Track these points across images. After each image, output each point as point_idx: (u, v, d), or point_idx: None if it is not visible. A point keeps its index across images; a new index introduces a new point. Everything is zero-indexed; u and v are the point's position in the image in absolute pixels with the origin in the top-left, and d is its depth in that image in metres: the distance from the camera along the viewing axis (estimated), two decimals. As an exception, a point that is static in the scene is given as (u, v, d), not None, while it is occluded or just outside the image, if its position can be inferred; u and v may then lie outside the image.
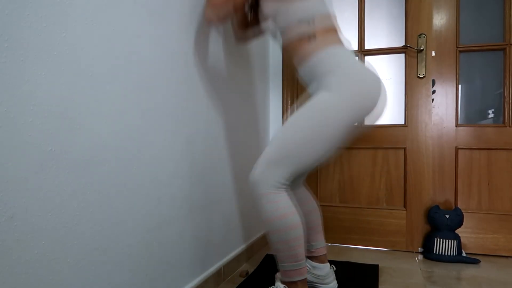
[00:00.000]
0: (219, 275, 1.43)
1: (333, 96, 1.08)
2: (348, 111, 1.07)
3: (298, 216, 1.10)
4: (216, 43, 1.43)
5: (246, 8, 1.39)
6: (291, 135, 1.08)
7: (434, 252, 1.80)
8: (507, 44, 1.85)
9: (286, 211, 1.07)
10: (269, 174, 1.08)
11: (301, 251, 1.10)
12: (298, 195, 1.33)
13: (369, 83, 1.12)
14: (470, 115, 1.97)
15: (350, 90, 1.09)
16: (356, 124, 1.12)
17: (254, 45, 1.90)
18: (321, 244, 1.33)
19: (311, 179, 2.14)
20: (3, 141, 0.60)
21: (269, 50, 2.20)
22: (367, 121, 1.19)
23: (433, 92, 1.96)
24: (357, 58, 1.16)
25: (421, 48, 1.90)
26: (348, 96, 1.08)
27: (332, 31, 1.15)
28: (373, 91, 1.12)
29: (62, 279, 0.73)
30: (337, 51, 1.13)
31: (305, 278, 1.12)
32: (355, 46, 2.05)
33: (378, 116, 1.18)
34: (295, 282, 1.10)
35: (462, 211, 1.84)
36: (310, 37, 1.13)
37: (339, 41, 1.17)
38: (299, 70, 1.20)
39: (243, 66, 1.72)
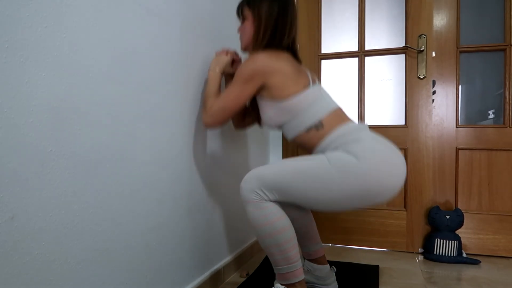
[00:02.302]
0: (219, 275, 1.42)
1: (359, 163, 1.00)
2: (368, 183, 1.01)
3: (287, 219, 1.09)
4: (215, 43, 1.43)
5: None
6: (295, 175, 1.04)
7: (435, 252, 1.80)
8: (508, 45, 1.85)
9: (274, 216, 1.06)
10: (258, 188, 1.07)
11: (294, 253, 1.09)
12: None
13: (395, 163, 1.05)
14: (471, 115, 1.97)
15: (377, 163, 1.01)
16: (368, 199, 1.04)
17: (255, 45, 1.90)
18: (317, 246, 1.33)
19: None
20: (3, 141, 0.60)
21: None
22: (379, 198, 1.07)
23: (434, 92, 1.96)
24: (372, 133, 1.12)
25: (422, 49, 1.90)
26: (373, 168, 1.01)
27: (339, 114, 1.15)
28: (397, 174, 1.05)
29: (62, 280, 0.72)
30: (350, 126, 1.11)
31: (303, 279, 1.11)
32: (355, 47, 2.06)
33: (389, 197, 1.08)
34: (293, 284, 1.10)
35: (463, 211, 1.84)
36: (318, 127, 1.12)
37: (348, 120, 1.15)
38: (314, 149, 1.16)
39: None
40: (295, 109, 1.12)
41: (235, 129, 1.46)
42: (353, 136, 1.08)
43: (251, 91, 1.13)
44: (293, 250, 1.09)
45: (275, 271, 1.13)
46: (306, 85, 1.14)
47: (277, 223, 1.06)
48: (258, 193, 1.06)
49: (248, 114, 1.41)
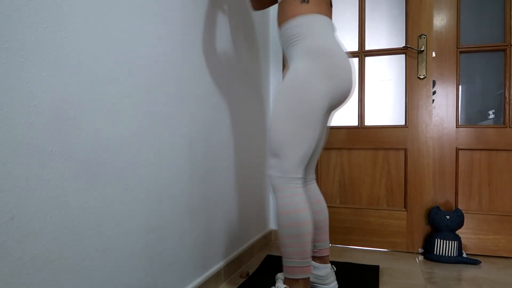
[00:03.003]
0: (220, 275, 1.42)
1: (303, 65, 1.09)
2: (322, 82, 1.09)
3: (310, 213, 1.12)
4: (216, 44, 1.43)
5: None
6: (278, 123, 1.11)
7: (435, 253, 1.80)
8: (508, 45, 1.85)
9: (300, 206, 1.09)
10: (279, 166, 1.12)
11: (309, 248, 1.10)
12: (310, 192, 1.34)
13: (340, 57, 1.12)
14: (471, 115, 1.97)
15: (321, 60, 1.09)
16: (334, 99, 1.13)
17: (255, 45, 1.90)
18: (326, 245, 1.34)
19: (311, 179, 2.13)
20: (3, 141, 0.60)
21: (270, 49, 2.20)
22: (338, 96, 1.17)
23: (434, 92, 1.96)
24: (333, 33, 1.18)
25: (422, 49, 1.90)
26: (319, 66, 1.09)
27: (325, 4, 1.18)
28: (342, 64, 1.12)
29: (62, 280, 0.73)
30: (316, 20, 1.14)
31: (308, 278, 1.12)
32: (355, 47, 2.05)
33: (346, 95, 1.18)
34: (297, 280, 1.10)
35: (463, 212, 1.84)
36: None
37: (327, 14, 1.18)
38: (278, 30, 1.22)
39: (244, 67, 1.72)
40: None
41: (254, 8, 1.52)
42: (311, 29, 1.12)
43: None
44: (309, 245, 1.11)
45: (284, 264, 1.13)
46: None
47: (303, 213, 1.09)
48: (282, 176, 1.11)
49: None
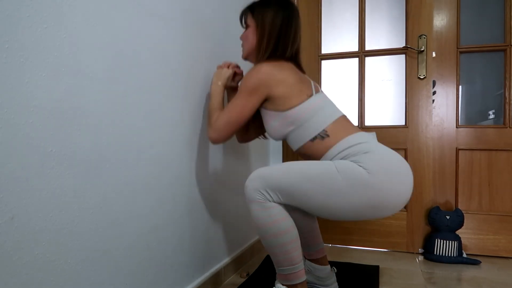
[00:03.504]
0: (219, 276, 1.42)
1: (368, 175, 0.99)
2: (376, 198, 1.00)
3: (290, 220, 1.09)
4: (216, 43, 1.43)
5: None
6: (301, 180, 1.03)
7: (435, 253, 1.80)
8: (508, 45, 1.85)
9: (278, 217, 1.06)
10: (262, 188, 1.06)
11: (297, 254, 1.08)
12: None
13: (403, 179, 1.03)
14: (471, 116, 1.97)
15: (386, 178, 1.00)
16: (375, 213, 1.03)
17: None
18: (319, 246, 1.33)
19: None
20: (3, 141, 0.60)
21: (270, 50, 2.20)
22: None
23: (434, 93, 1.96)
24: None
25: (422, 49, 1.90)
26: (382, 183, 0.99)
27: (343, 123, 1.13)
28: (404, 191, 1.03)
29: (62, 280, 0.72)
30: (359, 135, 1.09)
31: (305, 280, 1.11)
32: (355, 47, 2.05)
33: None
34: (294, 285, 1.10)
35: (463, 212, 1.83)
36: (323, 136, 1.10)
37: (354, 129, 1.13)
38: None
39: (244, 67, 1.72)
40: (299, 119, 1.11)
41: (239, 142, 1.43)
42: (363, 146, 1.05)
43: (255, 103, 1.12)
44: (296, 251, 1.08)
45: (277, 272, 1.13)
46: (309, 94, 1.13)
47: (281, 223, 1.06)
48: (262, 193, 1.06)
49: (252, 127, 1.38)
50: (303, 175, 1.03)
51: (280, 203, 1.07)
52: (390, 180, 1.01)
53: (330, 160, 1.08)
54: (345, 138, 1.09)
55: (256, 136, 1.41)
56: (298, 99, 1.11)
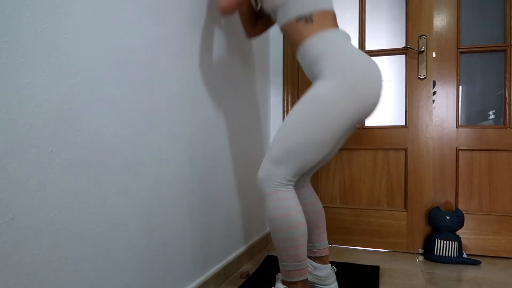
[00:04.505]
0: (220, 276, 1.42)
1: (329, 85, 1.06)
2: (347, 101, 1.05)
3: (303, 215, 1.10)
4: (216, 44, 1.43)
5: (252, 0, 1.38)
6: (292, 132, 1.08)
7: (435, 253, 1.80)
8: (508, 45, 1.85)
9: (291, 210, 1.08)
10: (275, 172, 1.09)
11: (303, 251, 1.10)
12: (303, 195, 1.33)
13: (366, 68, 1.08)
14: (471, 116, 1.97)
15: (346, 76, 1.05)
16: (360, 116, 1.09)
17: (255, 45, 1.90)
18: (324, 245, 1.34)
19: (311, 180, 2.13)
20: (3, 142, 0.60)
21: (270, 49, 2.20)
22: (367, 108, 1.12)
23: (434, 93, 1.96)
24: (351, 43, 1.14)
25: (422, 49, 1.90)
26: (344, 84, 1.05)
27: (329, 18, 1.16)
28: (372, 78, 1.08)
29: (62, 281, 0.72)
30: (330, 35, 1.12)
31: (307, 279, 1.11)
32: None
33: (374, 107, 1.14)
34: (295, 283, 1.10)
35: (463, 212, 1.83)
36: (307, 19, 1.13)
37: (335, 26, 1.17)
38: (296, 54, 1.21)
39: (243, 67, 1.72)
40: None
41: (248, 36, 1.49)
42: (336, 47, 1.10)
43: None
44: (303, 248, 1.10)
45: (280, 267, 1.13)
46: None
47: (295, 216, 1.08)
48: (276, 182, 1.09)
49: (259, 19, 1.44)
50: (293, 128, 1.08)
51: (295, 176, 1.10)
52: (360, 86, 1.06)
53: (305, 51, 1.14)
54: (324, 31, 1.12)
55: (263, 29, 1.48)
56: None
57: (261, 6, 1.32)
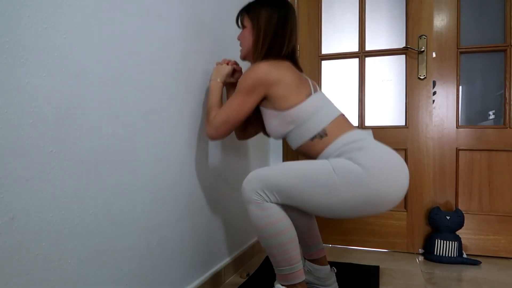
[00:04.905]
0: (220, 276, 1.42)
1: (363, 172, 1.00)
2: (372, 194, 1.01)
3: (289, 220, 1.09)
4: (216, 44, 1.43)
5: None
6: (298, 179, 1.04)
7: (435, 253, 1.80)
8: (508, 45, 1.85)
9: (276, 218, 1.06)
10: (259, 187, 1.06)
11: (295, 254, 1.09)
12: None
13: (399, 175, 1.04)
14: (471, 116, 1.97)
15: (382, 173, 1.01)
16: (373, 209, 1.05)
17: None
18: (319, 247, 1.33)
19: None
20: (3, 142, 0.60)
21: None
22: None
23: (434, 93, 1.96)
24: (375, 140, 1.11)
25: (422, 49, 1.90)
26: (378, 179, 1.00)
27: (341, 123, 1.14)
28: (400, 185, 1.04)
29: (62, 280, 0.72)
30: (355, 133, 1.10)
31: (304, 280, 1.11)
32: (355, 47, 2.05)
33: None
34: (294, 285, 1.10)
35: (463, 212, 1.83)
36: (322, 135, 1.11)
37: (350, 127, 1.14)
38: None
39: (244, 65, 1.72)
40: (298, 119, 1.12)
41: (238, 139, 1.44)
42: (358, 144, 1.07)
43: (253, 102, 1.13)
44: (295, 251, 1.08)
45: (276, 272, 1.13)
46: (308, 94, 1.14)
47: (279, 224, 1.06)
48: (260, 194, 1.06)
49: (251, 124, 1.38)
50: (300, 175, 1.04)
51: (277, 203, 1.08)
52: (384, 175, 1.01)
53: (327, 159, 1.09)
54: (341, 136, 1.10)
55: (255, 133, 1.42)
56: (297, 99, 1.11)
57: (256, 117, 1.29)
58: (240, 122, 1.16)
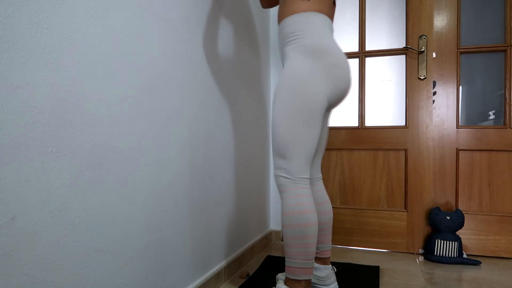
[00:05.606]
0: (220, 276, 1.42)
1: (299, 64, 1.09)
2: (317, 77, 1.09)
3: (316, 215, 1.11)
4: (217, 44, 1.43)
5: None
6: (279, 123, 1.12)
7: (435, 253, 1.80)
8: (508, 46, 1.85)
9: (306, 208, 1.09)
10: (286, 167, 1.12)
11: (313, 250, 1.10)
12: (315, 194, 1.34)
13: (334, 55, 1.12)
14: (471, 116, 1.97)
15: (315, 56, 1.09)
16: (332, 93, 1.13)
17: (255, 44, 1.90)
18: (328, 247, 1.34)
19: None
20: (4, 142, 0.60)
21: (270, 49, 2.20)
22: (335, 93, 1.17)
23: (434, 93, 1.96)
24: (331, 33, 1.17)
25: (422, 50, 1.90)
26: (313, 62, 1.09)
27: (326, 3, 1.17)
28: (339, 63, 1.12)
29: (63, 281, 0.72)
30: (314, 19, 1.14)
31: (310, 279, 1.11)
32: (356, 48, 2.05)
33: (344, 94, 1.18)
34: (299, 281, 1.09)
35: (463, 212, 1.83)
36: None
37: (327, 13, 1.18)
38: (278, 27, 1.23)
39: (244, 68, 1.72)
40: None
41: (262, 6, 1.51)
42: (304, 27, 1.12)
43: None
44: (313, 247, 1.10)
45: (286, 264, 1.12)
46: None
47: (309, 215, 1.09)
48: (288, 176, 1.12)
49: None
50: (279, 118, 1.12)
51: (305, 166, 1.12)
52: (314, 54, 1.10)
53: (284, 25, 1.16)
54: (306, 13, 1.14)
55: (276, 3, 1.49)
56: None
57: None
58: None
